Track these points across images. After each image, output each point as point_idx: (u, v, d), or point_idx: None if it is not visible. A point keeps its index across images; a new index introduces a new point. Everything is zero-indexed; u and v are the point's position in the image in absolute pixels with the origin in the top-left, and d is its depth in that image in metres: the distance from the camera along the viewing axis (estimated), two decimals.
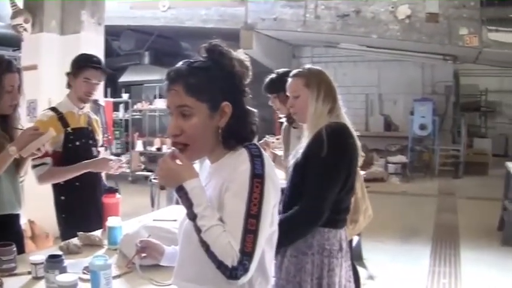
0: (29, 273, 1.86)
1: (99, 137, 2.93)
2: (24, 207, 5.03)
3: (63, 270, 1.68)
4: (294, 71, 2.20)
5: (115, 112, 10.66)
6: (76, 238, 2.34)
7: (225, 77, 1.29)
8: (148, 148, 10.00)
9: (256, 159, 1.26)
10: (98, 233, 2.42)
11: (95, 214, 2.63)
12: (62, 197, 2.76)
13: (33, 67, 5.02)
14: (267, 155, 1.31)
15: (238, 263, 1.17)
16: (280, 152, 3.30)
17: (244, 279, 1.20)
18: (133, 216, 2.78)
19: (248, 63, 1.35)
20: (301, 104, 2.08)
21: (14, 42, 6.49)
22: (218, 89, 1.28)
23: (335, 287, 1.95)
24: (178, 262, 1.41)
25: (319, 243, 1.96)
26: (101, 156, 2.88)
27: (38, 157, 2.55)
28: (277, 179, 1.32)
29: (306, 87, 2.06)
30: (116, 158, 2.82)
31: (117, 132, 10.86)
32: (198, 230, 1.21)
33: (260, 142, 3.04)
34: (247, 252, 1.19)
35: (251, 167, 1.24)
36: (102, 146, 3.04)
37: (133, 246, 1.75)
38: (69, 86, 2.71)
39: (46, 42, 5.23)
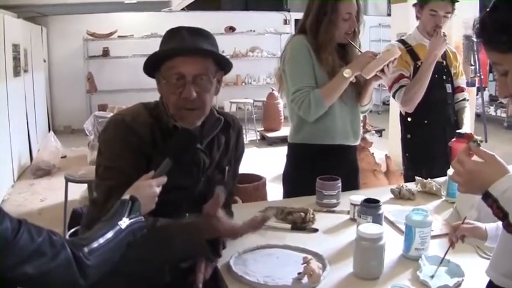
0: (348, 213, 1.74)
1: (457, 70, 2.59)
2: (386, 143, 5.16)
3: (377, 218, 1.45)
4: None
5: None
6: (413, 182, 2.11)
7: None
8: None
9: None
10: (441, 180, 2.10)
11: (441, 158, 2.40)
12: (408, 135, 2.58)
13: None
14: None
15: None
16: None
17: None
18: None
19: None
20: None
21: None
22: None
23: None
24: (496, 251, 1.05)
25: None
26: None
27: (394, 81, 2.39)
28: None
29: None
30: None
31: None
32: None
33: None
34: None
35: None
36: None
37: (469, 203, 1.51)
38: (417, 17, 2.48)
39: None
